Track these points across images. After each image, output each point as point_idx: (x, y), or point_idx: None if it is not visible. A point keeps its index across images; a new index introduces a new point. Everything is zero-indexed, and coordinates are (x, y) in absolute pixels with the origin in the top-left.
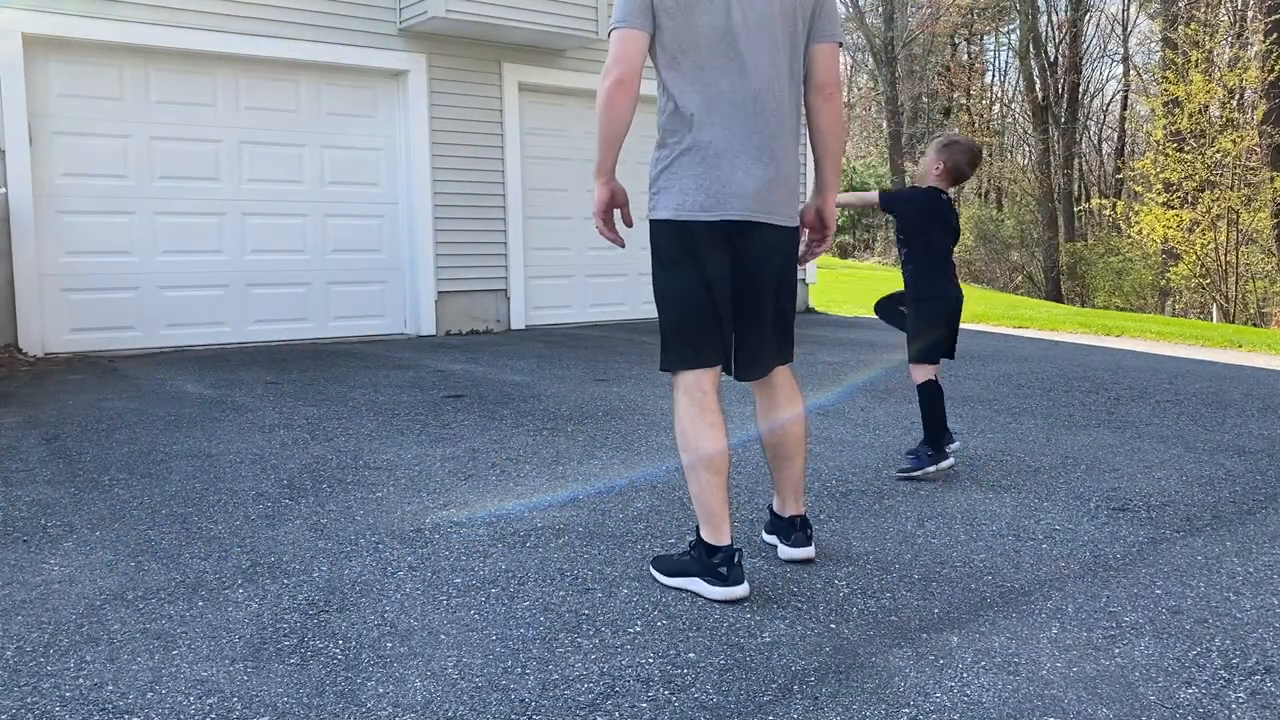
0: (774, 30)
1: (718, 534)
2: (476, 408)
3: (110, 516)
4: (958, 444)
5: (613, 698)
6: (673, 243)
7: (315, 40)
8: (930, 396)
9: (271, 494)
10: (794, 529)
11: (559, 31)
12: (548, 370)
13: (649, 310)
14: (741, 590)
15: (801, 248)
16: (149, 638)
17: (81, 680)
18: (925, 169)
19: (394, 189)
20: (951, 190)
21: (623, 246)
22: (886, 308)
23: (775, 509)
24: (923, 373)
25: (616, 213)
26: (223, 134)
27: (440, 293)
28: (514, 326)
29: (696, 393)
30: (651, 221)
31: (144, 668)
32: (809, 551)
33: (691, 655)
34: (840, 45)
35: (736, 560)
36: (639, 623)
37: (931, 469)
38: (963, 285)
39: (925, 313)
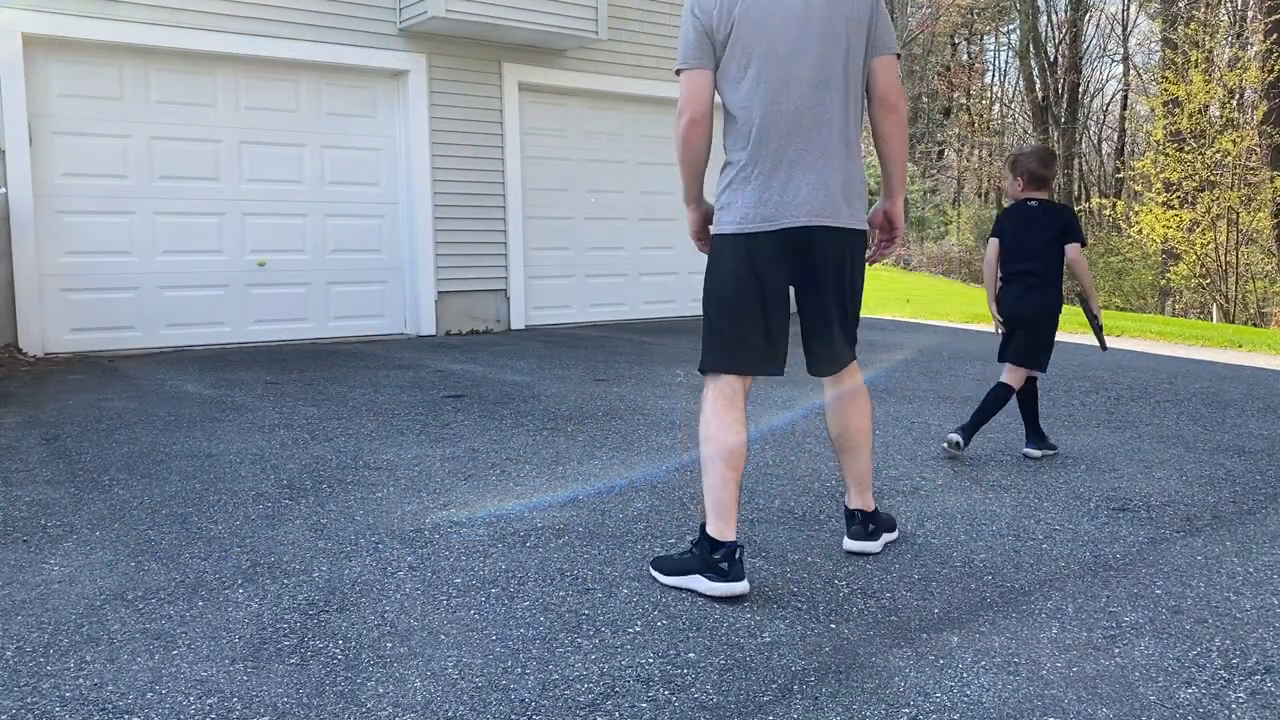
0: (823, 47)
1: (724, 529)
2: (476, 408)
3: (110, 516)
4: (959, 441)
5: (613, 698)
6: (731, 256)
7: (315, 40)
8: (992, 394)
9: (271, 494)
10: (853, 521)
11: (559, 31)
12: (548, 370)
13: (649, 310)
14: (741, 587)
15: (871, 249)
16: (149, 638)
17: (81, 680)
18: (1011, 189)
19: (394, 189)
20: (1040, 194)
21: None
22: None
23: (845, 501)
24: (1007, 374)
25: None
26: (223, 134)
27: (440, 293)
28: (514, 326)
29: (727, 391)
30: (714, 235)
31: (144, 668)
32: (866, 545)
33: (691, 655)
34: (898, 56)
35: (738, 557)
36: (639, 623)
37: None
38: (962, 285)
39: (1004, 318)
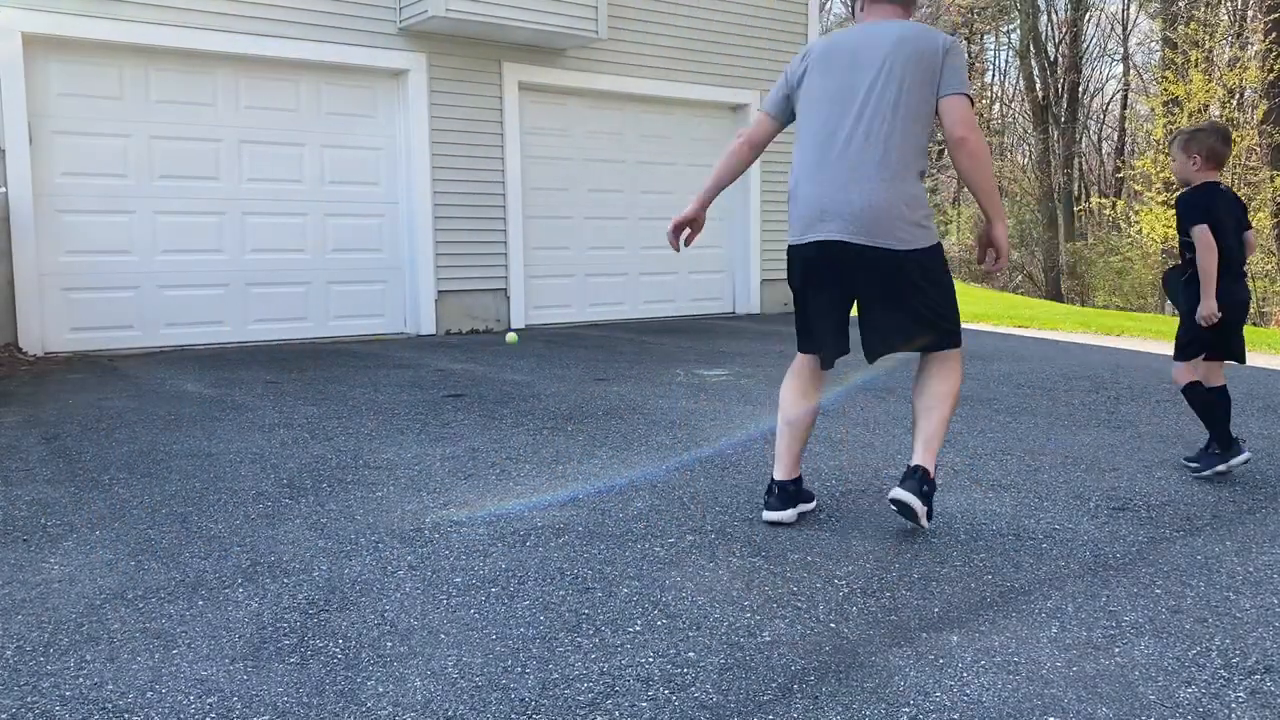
0: (872, 95)
1: (777, 470)
2: (476, 407)
3: (110, 516)
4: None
5: (613, 697)
6: (790, 265)
7: (315, 40)
8: (1195, 397)
9: (271, 493)
10: (908, 475)
11: (559, 31)
12: (547, 370)
13: (649, 309)
14: (771, 514)
15: (985, 266)
16: (149, 637)
17: (81, 679)
18: (1184, 171)
19: (394, 188)
20: (1217, 175)
21: (677, 251)
22: (1172, 279)
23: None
24: (1183, 374)
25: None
26: (223, 133)
27: (440, 292)
28: (514, 326)
29: (798, 367)
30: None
31: (144, 667)
32: (906, 497)
33: (691, 655)
34: (966, 96)
35: (776, 491)
36: (639, 622)
37: (1221, 467)
38: (962, 284)
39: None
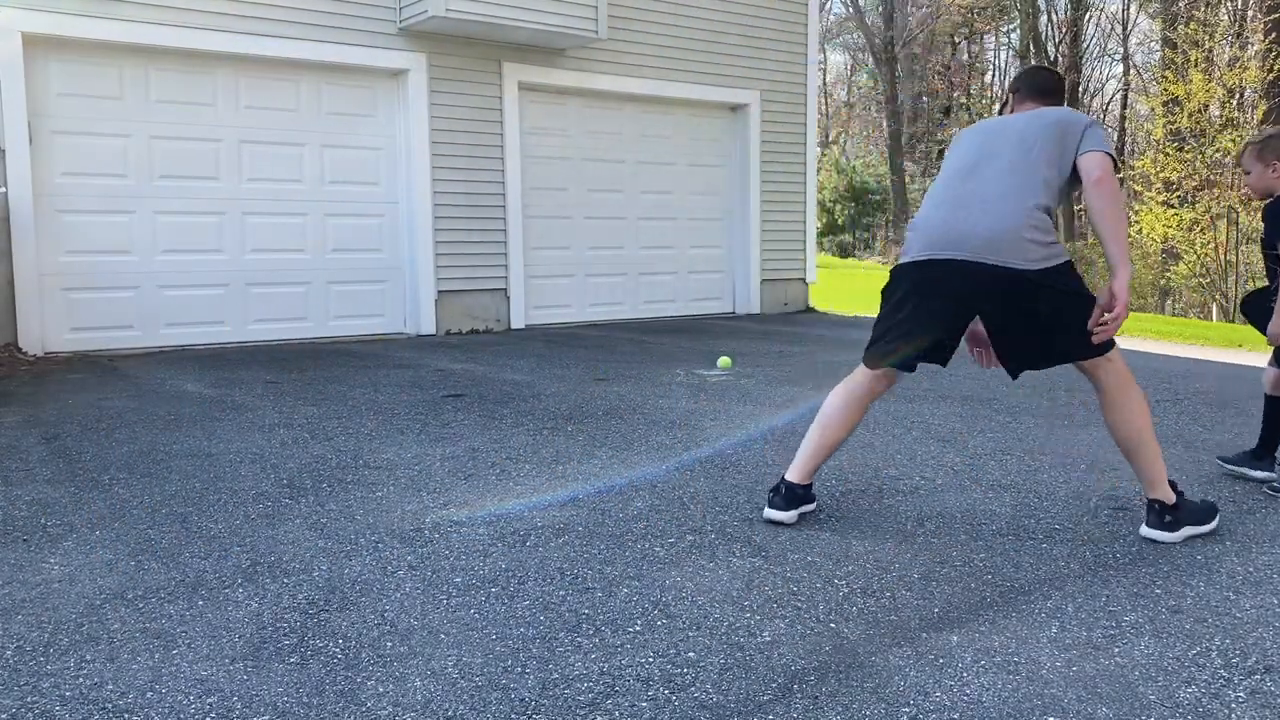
0: (1002, 155)
1: (791, 469)
2: (476, 407)
3: (110, 516)
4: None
5: (613, 697)
6: (896, 280)
7: (315, 40)
8: (1270, 406)
9: (271, 493)
10: (1148, 511)
11: (559, 31)
12: (548, 370)
13: (649, 310)
14: (773, 513)
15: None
16: (149, 637)
17: (81, 679)
18: (1263, 181)
19: (394, 188)
20: None
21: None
22: (1255, 304)
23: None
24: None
25: None
26: (223, 133)
27: (440, 292)
28: (514, 326)
29: (854, 374)
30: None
31: (144, 667)
32: (1151, 533)
33: (691, 655)
34: (1107, 154)
35: (783, 491)
36: (639, 622)
37: (1247, 470)
38: None
39: None
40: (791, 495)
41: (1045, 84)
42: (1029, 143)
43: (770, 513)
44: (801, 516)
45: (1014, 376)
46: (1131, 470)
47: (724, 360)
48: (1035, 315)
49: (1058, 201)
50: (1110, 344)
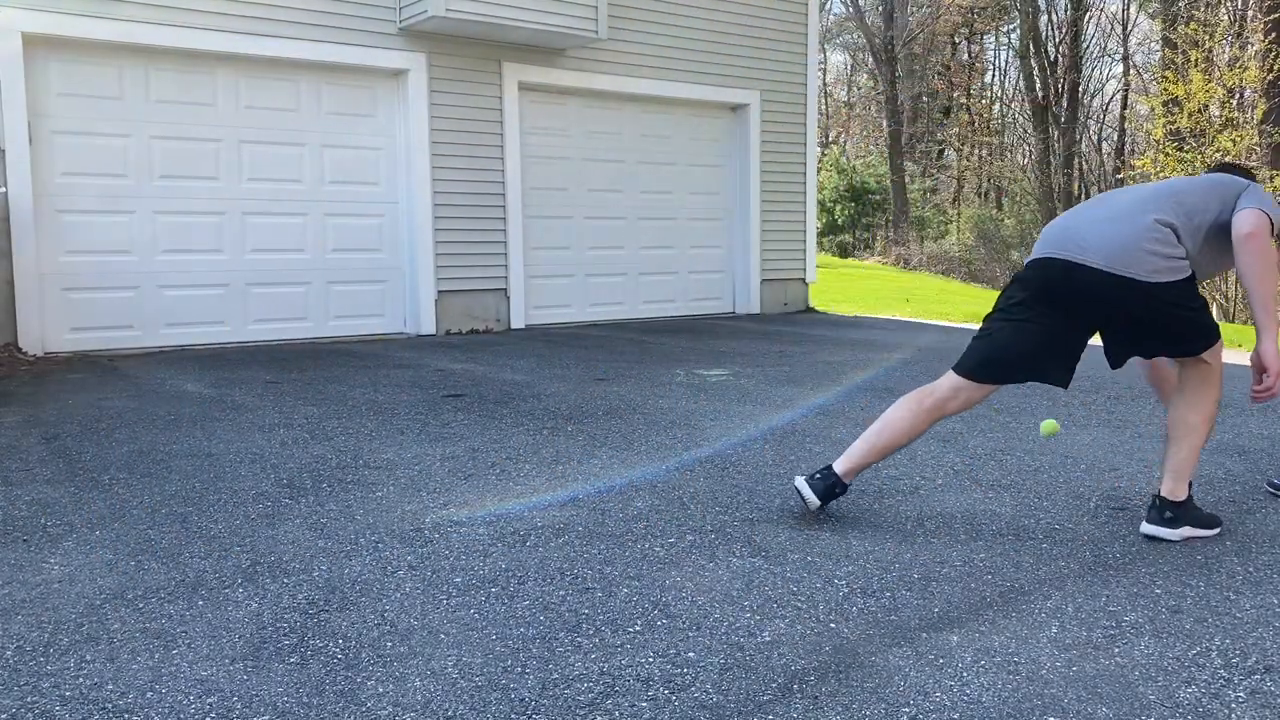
0: (1137, 189)
1: (840, 460)
2: (476, 407)
3: (110, 516)
4: None
5: (613, 697)
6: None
7: (315, 40)
8: None
9: (271, 493)
10: (1151, 507)
11: (559, 31)
12: (548, 369)
13: (649, 310)
14: (803, 486)
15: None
16: (149, 637)
17: (81, 679)
18: None
19: (394, 188)
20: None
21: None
22: None
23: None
24: None
25: None
26: (223, 133)
27: (440, 292)
28: (514, 326)
29: (937, 383)
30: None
31: (144, 667)
32: (1149, 529)
33: (691, 655)
34: (1263, 212)
35: (820, 476)
36: (639, 622)
37: None
38: (961, 285)
39: None
40: (828, 486)
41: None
42: (1174, 188)
43: (800, 482)
44: (800, 517)
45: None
46: (1135, 468)
47: (1049, 425)
48: (1141, 322)
49: (1194, 239)
50: (1207, 345)
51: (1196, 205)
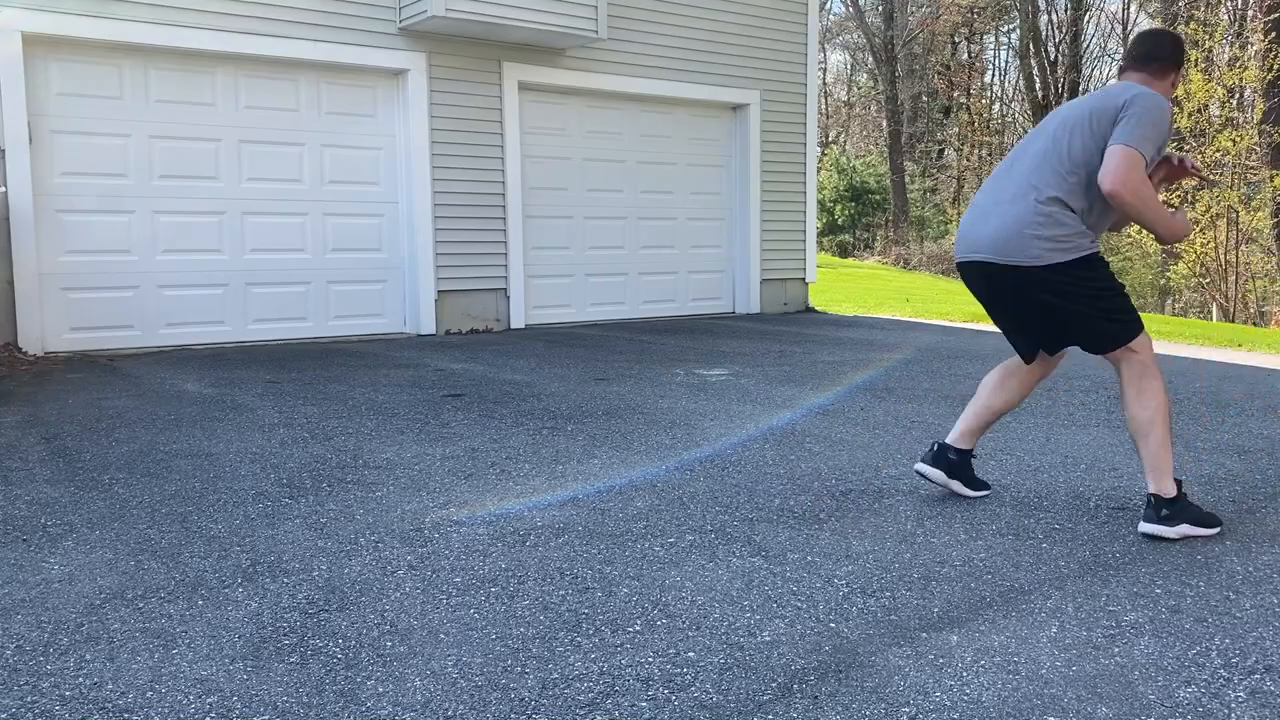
0: (1034, 146)
1: (952, 432)
2: (476, 407)
3: (110, 515)
4: None
5: (613, 697)
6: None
7: (315, 39)
8: None
9: (271, 493)
10: (1146, 506)
11: (559, 31)
12: (547, 369)
13: (649, 309)
14: (920, 465)
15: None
16: (149, 637)
17: (81, 679)
18: None
19: (394, 188)
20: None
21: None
22: None
23: None
24: None
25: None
26: (222, 133)
27: (440, 292)
28: (514, 325)
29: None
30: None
31: (144, 667)
32: (1146, 528)
33: (691, 655)
34: (1127, 147)
35: (935, 449)
36: (638, 622)
37: None
38: (961, 285)
39: None
40: (941, 455)
41: (1139, 50)
42: (1066, 129)
43: (920, 465)
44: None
45: (1026, 359)
46: (1135, 468)
47: None
48: (1052, 310)
49: (1088, 195)
50: (1127, 337)
51: (1080, 155)
